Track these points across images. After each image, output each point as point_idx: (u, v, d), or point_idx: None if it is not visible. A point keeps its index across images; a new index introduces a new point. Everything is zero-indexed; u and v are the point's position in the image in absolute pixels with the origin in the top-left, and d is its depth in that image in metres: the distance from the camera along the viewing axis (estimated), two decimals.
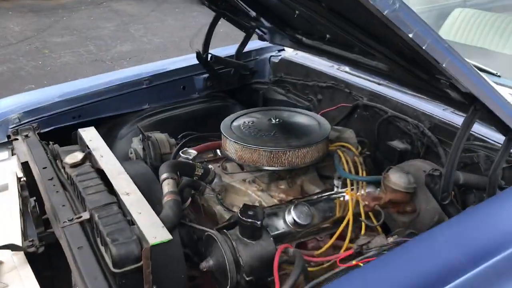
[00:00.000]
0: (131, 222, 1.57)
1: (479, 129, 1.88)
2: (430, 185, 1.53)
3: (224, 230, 1.56)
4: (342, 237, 1.92)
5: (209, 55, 2.74)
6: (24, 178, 2.21)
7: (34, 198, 1.71)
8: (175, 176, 1.78)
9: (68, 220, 1.61)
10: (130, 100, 2.67)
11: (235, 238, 1.53)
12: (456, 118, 1.98)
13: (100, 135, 2.19)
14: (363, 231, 1.88)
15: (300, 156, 1.95)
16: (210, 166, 2.00)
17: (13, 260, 1.67)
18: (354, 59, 1.97)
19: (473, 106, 1.39)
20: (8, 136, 2.36)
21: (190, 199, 1.82)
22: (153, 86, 2.72)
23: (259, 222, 1.49)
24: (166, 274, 1.55)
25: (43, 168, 1.95)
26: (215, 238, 1.52)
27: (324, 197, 1.97)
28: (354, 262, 1.48)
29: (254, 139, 1.99)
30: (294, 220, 1.79)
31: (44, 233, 1.71)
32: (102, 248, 1.53)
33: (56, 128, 2.48)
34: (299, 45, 2.36)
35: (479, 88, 1.32)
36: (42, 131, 2.40)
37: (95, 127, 2.59)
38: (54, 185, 1.83)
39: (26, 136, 2.27)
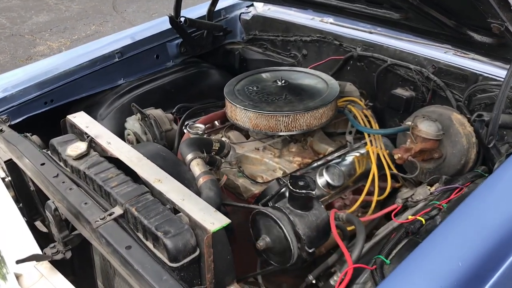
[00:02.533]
0: (174, 211, 1.46)
1: (487, 68, 1.91)
2: (479, 130, 1.54)
3: (278, 206, 1.48)
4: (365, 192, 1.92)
5: (182, 18, 2.54)
6: (9, 178, 1.98)
7: (53, 201, 1.52)
8: (201, 155, 1.66)
9: (100, 219, 1.45)
10: (104, 77, 2.43)
11: (288, 211, 1.46)
12: (459, 60, 2.00)
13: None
14: (389, 185, 1.88)
15: (317, 117, 1.89)
16: (226, 140, 1.89)
17: (38, 271, 1.50)
18: (356, 10, 1.90)
19: None
20: None
21: (226, 177, 1.71)
22: (125, 58, 2.49)
23: (314, 192, 1.43)
24: (215, 258, 1.47)
25: (41, 164, 1.74)
26: (271, 215, 1.44)
27: (347, 155, 1.94)
28: (410, 217, 1.47)
29: (268, 105, 1.89)
30: (328, 182, 1.75)
31: (69, 236, 1.54)
32: (148, 243, 1.41)
33: (28, 117, 2.22)
34: None
35: None
36: (12, 122, 2.15)
37: (69, 111, 2.38)
38: (63, 182, 1.64)
39: (1, 130, 2.01)
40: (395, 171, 1.90)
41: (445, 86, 2.00)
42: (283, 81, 2.06)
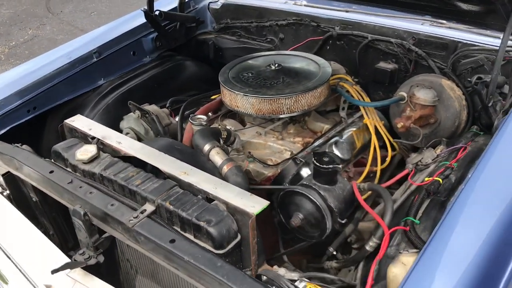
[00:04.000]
0: (208, 200, 1.47)
1: (465, 35, 2.04)
2: (482, 91, 1.66)
3: (306, 183, 1.53)
4: (364, 164, 2.01)
5: (157, 12, 2.51)
6: (7, 192, 1.90)
7: (80, 205, 1.48)
8: (218, 144, 1.68)
9: (134, 218, 1.44)
10: (84, 78, 2.36)
11: (317, 187, 1.52)
12: (437, 30, 2.13)
13: (60, 123, 1.95)
14: (389, 153, 1.99)
15: (317, 96, 1.95)
16: (231, 128, 1.91)
17: (71, 278, 1.47)
18: None
19: None
20: None
21: (247, 163, 1.74)
22: (103, 58, 2.43)
23: (340, 166, 1.49)
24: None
25: (50, 172, 1.69)
26: (304, 192, 1.49)
27: (346, 130, 2.02)
28: (427, 178, 1.57)
29: (269, 89, 1.93)
30: (338, 157, 1.82)
31: (99, 240, 1.51)
32: (188, 235, 1.42)
33: (12, 127, 2.13)
34: None
35: None
36: None
37: (51, 116, 2.31)
38: (81, 187, 1.60)
39: None
40: (392, 140, 2.00)
41: (427, 56, 2.12)
42: (276, 65, 2.10)
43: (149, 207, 1.47)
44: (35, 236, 1.64)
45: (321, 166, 1.49)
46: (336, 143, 1.85)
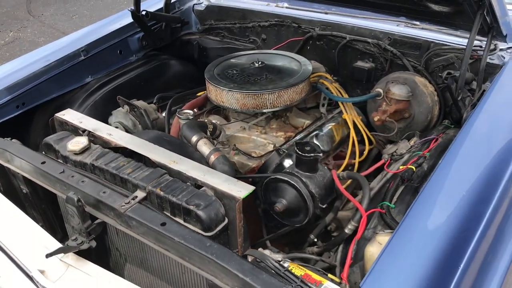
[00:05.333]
0: (196, 186, 1.55)
1: (437, 36, 2.18)
2: (452, 85, 1.78)
3: (289, 171, 1.63)
4: (342, 157, 2.12)
5: (144, 12, 2.58)
6: None
7: (73, 192, 1.54)
8: (205, 135, 1.76)
9: (125, 203, 1.52)
10: (72, 76, 2.42)
11: (300, 174, 1.62)
12: (411, 31, 2.26)
13: (48, 118, 2.01)
14: (367, 146, 2.10)
15: (298, 91, 2.05)
16: (217, 122, 2.00)
17: (64, 262, 1.53)
18: None
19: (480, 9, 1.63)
20: None
21: (233, 153, 1.82)
22: (91, 56, 2.49)
23: (321, 154, 1.59)
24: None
25: (42, 163, 1.75)
26: (287, 179, 1.58)
27: (326, 124, 2.12)
28: (401, 167, 1.68)
29: (253, 85, 2.02)
30: (319, 146, 1.91)
31: (92, 226, 1.57)
32: (177, 219, 1.50)
33: (1, 123, 2.17)
34: None
35: None
36: None
37: (39, 112, 2.36)
38: (73, 177, 1.67)
39: None
40: (369, 134, 2.12)
41: (402, 55, 2.24)
42: (259, 63, 2.20)
43: (140, 194, 1.54)
44: (26, 225, 1.69)
45: (303, 154, 1.58)
46: (317, 135, 1.95)
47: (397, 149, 1.83)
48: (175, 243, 1.38)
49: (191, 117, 1.98)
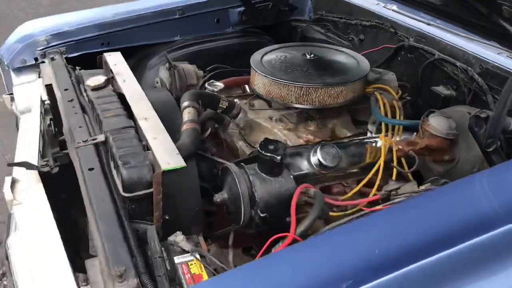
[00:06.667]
0: (146, 148, 1.50)
1: None
2: (475, 128, 1.37)
3: (242, 164, 1.46)
4: (371, 184, 1.79)
5: None
6: (48, 101, 2.18)
7: (51, 117, 1.66)
8: (196, 105, 1.68)
9: (83, 141, 1.55)
10: (161, 30, 2.55)
11: (252, 172, 1.44)
12: (509, 62, 1.77)
13: (130, 65, 2.10)
14: (394, 178, 1.74)
15: (333, 95, 1.80)
16: (236, 101, 1.89)
17: (27, 179, 1.64)
18: None
19: None
20: (36, 59, 2.32)
21: (210, 130, 1.73)
22: (185, 17, 2.58)
23: (278, 157, 1.38)
24: (180, 204, 1.48)
25: (65, 90, 1.89)
26: (231, 170, 1.42)
27: (355, 141, 1.83)
28: (379, 207, 1.36)
29: (285, 74, 1.85)
30: (320, 161, 1.66)
31: (58, 153, 1.66)
32: (115, 172, 1.47)
33: (84, 54, 2.40)
34: None
35: None
36: (69, 55, 2.34)
37: (125, 56, 2.53)
38: (73, 107, 1.77)
39: (52, 59, 2.22)
40: (405, 166, 1.75)
41: (488, 90, 1.79)
42: (311, 55, 2.00)
43: (101, 137, 1.56)
44: (32, 135, 1.85)
45: (260, 151, 1.39)
46: (322, 146, 1.68)
47: (399, 188, 1.47)
48: (86, 189, 1.37)
49: (216, 89, 1.91)
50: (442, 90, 1.95)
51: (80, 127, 1.64)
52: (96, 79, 1.87)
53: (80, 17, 2.46)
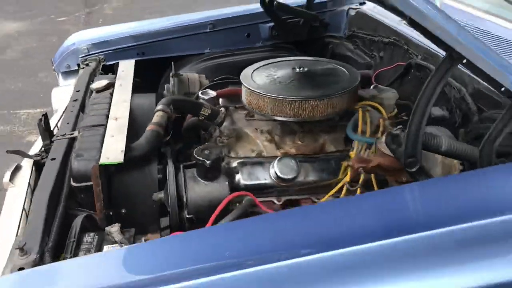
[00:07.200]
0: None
1: None
2: (391, 146, 1.27)
3: (182, 166, 1.53)
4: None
5: (274, 2, 2.61)
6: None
7: (45, 112, 1.87)
8: (167, 110, 1.78)
9: (61, 135, 1.73)
10: (192, 43, 2.71)
11: (190, 175, 1.49)
12: None
13: (166, 74, 2.26)
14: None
15: (307, 108, 1.78)
16: (222, 109, 1.95)
17: (25, 167, 1.86)
18: None
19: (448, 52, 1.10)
20: (78, 65, 2.61)
21: (172, 132, 1.81)
22: (216, 30, 2.71)
23: (208, 162, 1.42)
24: (137, 202, 1.60)
25: (77, 91, 2.12)
26: (168, 170, 1.49)
27: (329, 156, 1.79)
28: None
29: (264, 86, 1.87)
30: (276, 173, 1.66)
31: (49, 146, 1.87)
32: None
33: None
34: None
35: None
36: (107, 63, 2.59)
37: (162, 67, 2.72)
38: (73, 106, 1.98)
39: (87, 65, 2.48)
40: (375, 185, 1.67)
41: (476, 111, 1.63)
42: (301, 68, 1.99)
43: (76, 133, 1.74)
44: None
45: (194, 154, 1.45)
46: (280, 158, 1.67)
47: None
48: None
49: (207, 97, 2.00)
50: (434, 111, 1.82)
51: (67, 123, 1.84)
52: (99, 82, 2.06)
53: (120, 29, 2.72)
